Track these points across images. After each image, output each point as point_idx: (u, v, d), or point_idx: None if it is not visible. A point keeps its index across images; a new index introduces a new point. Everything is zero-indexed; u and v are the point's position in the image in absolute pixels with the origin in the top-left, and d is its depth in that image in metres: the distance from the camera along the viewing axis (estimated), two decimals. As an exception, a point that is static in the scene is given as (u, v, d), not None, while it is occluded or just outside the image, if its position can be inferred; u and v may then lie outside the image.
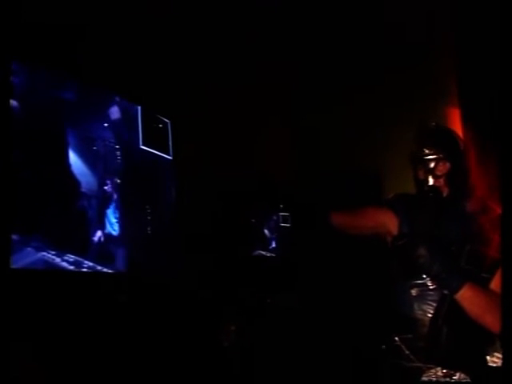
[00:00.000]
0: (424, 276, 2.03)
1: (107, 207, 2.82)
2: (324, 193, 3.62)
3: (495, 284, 1.96)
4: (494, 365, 2.01)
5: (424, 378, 1.99)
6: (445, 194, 2.09)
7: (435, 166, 2.08)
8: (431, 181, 2.08)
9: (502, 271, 1.75)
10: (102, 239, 2.77)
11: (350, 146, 4.08)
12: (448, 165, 2.08)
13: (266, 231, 3.90)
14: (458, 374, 1.97)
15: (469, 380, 1.97)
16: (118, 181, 2.90)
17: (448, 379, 1.98)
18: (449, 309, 1.98)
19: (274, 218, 3.90)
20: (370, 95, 4.00)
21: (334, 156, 4.08)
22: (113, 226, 2.84)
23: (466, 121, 3.32)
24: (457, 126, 3.38)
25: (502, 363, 1.83)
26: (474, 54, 3.39)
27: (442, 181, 2.09)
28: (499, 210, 2.05)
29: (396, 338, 2.08)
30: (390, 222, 2.17)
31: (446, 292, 1.97)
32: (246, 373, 3.26)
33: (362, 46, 3.95)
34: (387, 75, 3.96)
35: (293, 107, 4.17)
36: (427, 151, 2.10)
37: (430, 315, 2.02)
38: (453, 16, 3.64)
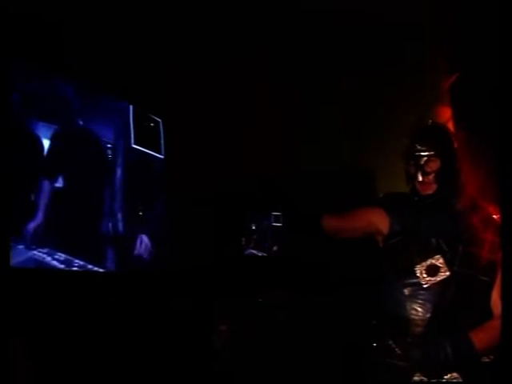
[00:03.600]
0: (417, 275, 2.03)
1: (99, 206, 2.81)
2: (315, 191, 3.63)
3: (498, 292, 1.97)
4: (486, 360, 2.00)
5: (415, 378, 2.00)
6: (432, 191, 2.10)
7: (426, 162, 2.09)
8: (420, 177, 2.09)
9: (503, 271, 1.75)
10: (93, 238, 2.76)
11: (343, 144, 4.09)
12: (438, 162, 2.09)
13: (258, 230, 3.90)
14: (449, 374, 1.98)
15: (460, 380, 1.97)
16: (110, 180, 2.89)
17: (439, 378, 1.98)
18: (448, 309, 1.99)
19: (266, 217, 3.91)
20: (362, 95, 4.00)
21: (325, 155, 4.09)
22: (104, 224, 2.83)
23: (458, 121, 3.33)
24: (449, 125, 3.38)
25: (499, 360, 1.83)
26: (467, 54, 3.41)
27: (431, 177, 2.09)
28: (490, 209, 2.06)
29: (388, 337, 2.08)
30: (381, 222, 2.18)
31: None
32: (237, 372, 3.26)
33: (356, 45, 3.96)
34: (381, 75, 3.97)
35: (286, 107, 4.18)
36: (419, 147, 2.11)
37: (421, 314, 2.02)
38: (446, 16, 3.65)
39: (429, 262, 2.04)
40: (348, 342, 3.47)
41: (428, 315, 2.01)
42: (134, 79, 3.00)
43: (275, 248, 3.98)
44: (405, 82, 3.89)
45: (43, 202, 2.48)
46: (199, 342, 3.23)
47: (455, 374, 1.98)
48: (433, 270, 2.03)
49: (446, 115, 3.51)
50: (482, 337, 1.94)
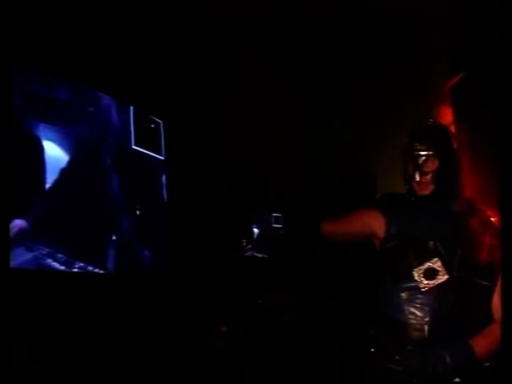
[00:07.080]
0: (415, 278, 2.01)
1: (99, 208, 2.81)
2: (318, 193, 3.63)
3: (498, 296, 1.93)
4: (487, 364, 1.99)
5: (415, 381, 1.98)
6: (429, 192, 2.09)
7: (424, 162, 2.07)
8: (418, 177, 2.08)
9: (502, 271, 1.73)
10: (94, 239, 2.76)
11: (345, 146, 4.08)
12: (437, 162, 2.07)
13: (258, 232, 3.91)
14: None
15: (460, 381, 1.96)
16: (110, 181, 2.89)
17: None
18: (447, 314, 1.97)
19: (266, 218, 3.91)
20: (364, 97, 4.00)
21: (328, 157, 4.08)
22: (104, 226, 2.83)
23: (459, 122, 3.32)
24: (451, 127, 3.37)
25: (499, 363, 1.81)
26: (470, 55, 3.40)
27: (428, 178, 2.08)
28: (488, 212, 2.04)
29: (386, 343, 2.06)
30: (376, 224, 2.14)
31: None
32: (238, 374, 3.26)
33: (357, 47, 3.95)
34: (382, 77, 3.96)
35: (288, 108, 4.17)
36: (418, 146, 2.09)
37: (420, 319, 2.00)
38: (446, 18, 3.65)
39: (426, 265, 2.02)
40: (348, 344, 3.46)
41: (427, 319, 1.98)
42: (134, 80, 3.00)
43: (275, 249, 3.98)
44: (407, 83, 3.88)
45: (43, 203, 2.49)
46: (199, 343, 3.23)
47: (457, 379, 1.96)
48: (431, 274, 2.01)
49: (447, 116, 3.51)
50: (483, 343, 1.92)
